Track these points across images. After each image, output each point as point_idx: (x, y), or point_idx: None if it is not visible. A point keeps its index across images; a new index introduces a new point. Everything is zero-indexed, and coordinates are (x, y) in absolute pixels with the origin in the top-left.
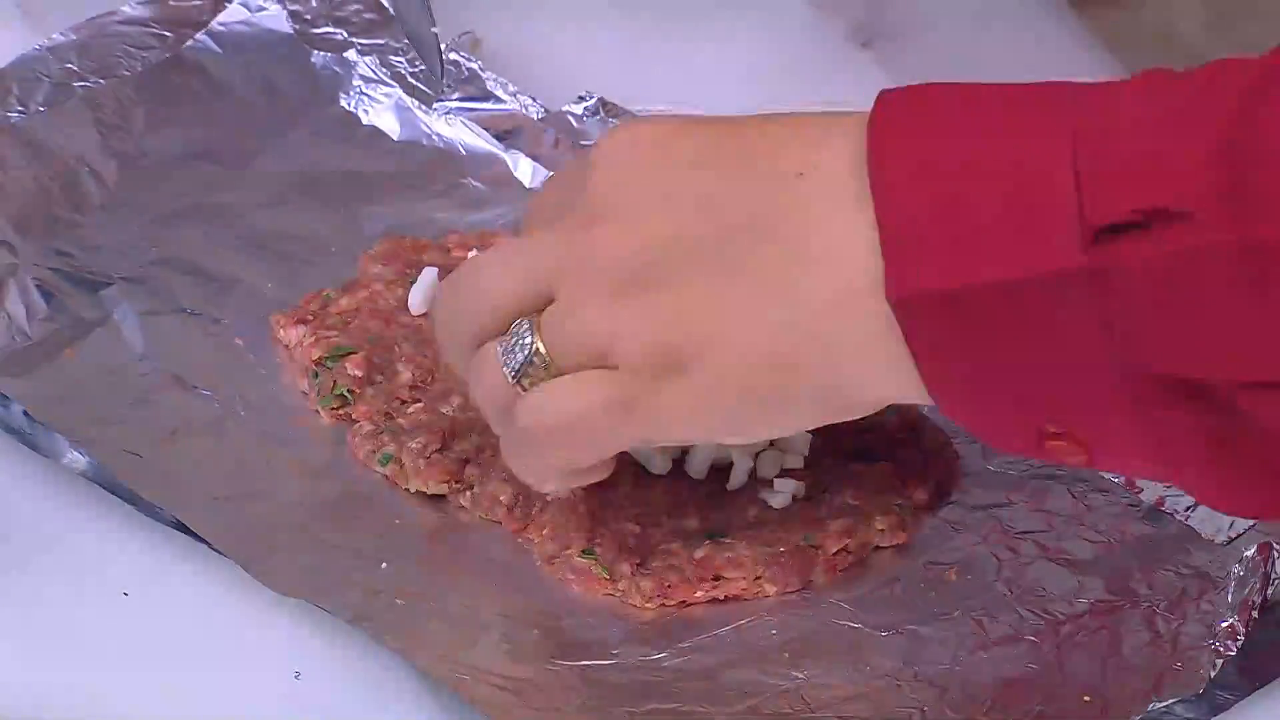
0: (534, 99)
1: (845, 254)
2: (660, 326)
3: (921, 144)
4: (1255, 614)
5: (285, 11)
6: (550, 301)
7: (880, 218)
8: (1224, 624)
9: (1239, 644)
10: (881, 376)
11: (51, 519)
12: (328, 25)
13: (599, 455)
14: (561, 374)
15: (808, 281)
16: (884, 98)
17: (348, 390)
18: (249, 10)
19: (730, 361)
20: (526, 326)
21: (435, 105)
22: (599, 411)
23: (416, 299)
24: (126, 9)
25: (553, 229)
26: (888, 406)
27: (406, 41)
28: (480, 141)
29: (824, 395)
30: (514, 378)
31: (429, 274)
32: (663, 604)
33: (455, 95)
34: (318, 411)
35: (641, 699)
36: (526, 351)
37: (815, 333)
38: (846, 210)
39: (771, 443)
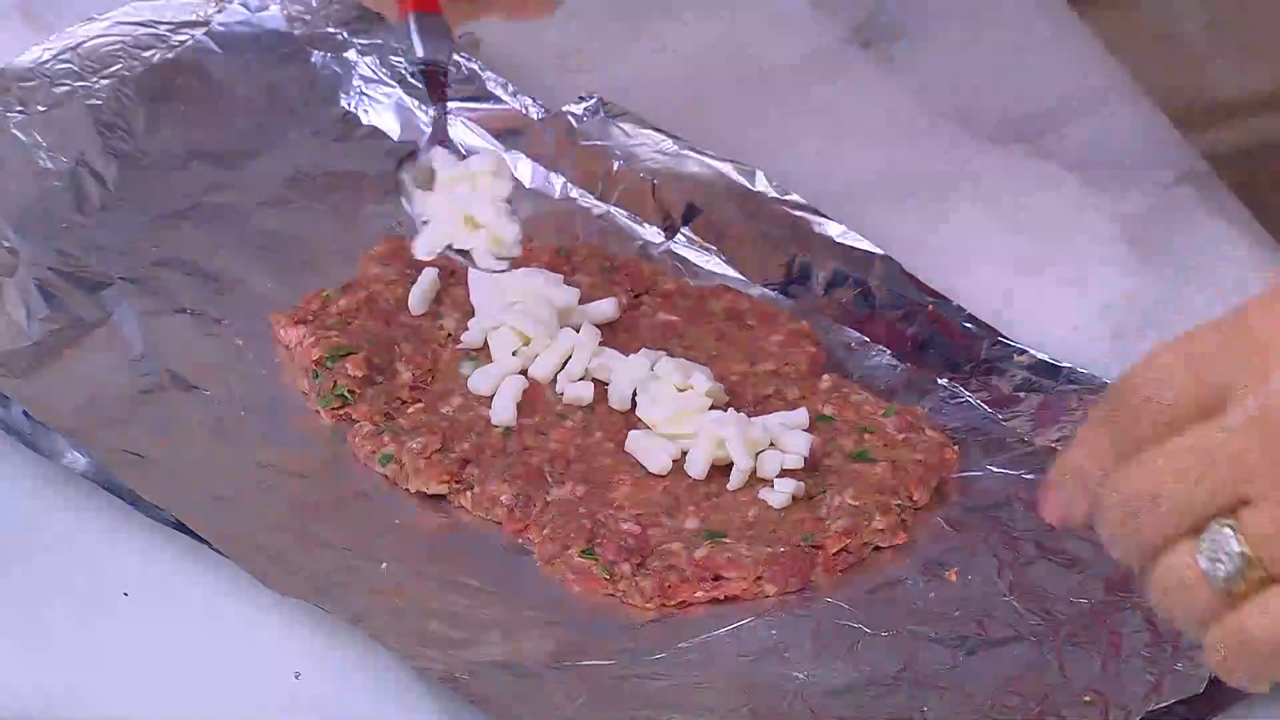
0: (534, 99)
1: None
2: None
3: None
4: None
5: (285, 11)
6: (1241, 500)
7: None
8: None
9: None
10: None
11: (51, 519)
12: (328, 25)
13: None
14: (1274, 580)
15: None
16: None
17: (348, 390)
18: (249, 10)
19: None
20: (1230, 531)
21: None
22: None
23: (416, 299)
24: (127, 9)
25: (1233, 423)
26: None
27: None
28: (480, 141)
29: None
30: (1223, 586)
31: (429, 274)
32: (663, 604)
33: (455, 95)
34: (318, 411)
35: (641, 699)
36: (1236, 561)
37: None
38: None
39: (771, 442)
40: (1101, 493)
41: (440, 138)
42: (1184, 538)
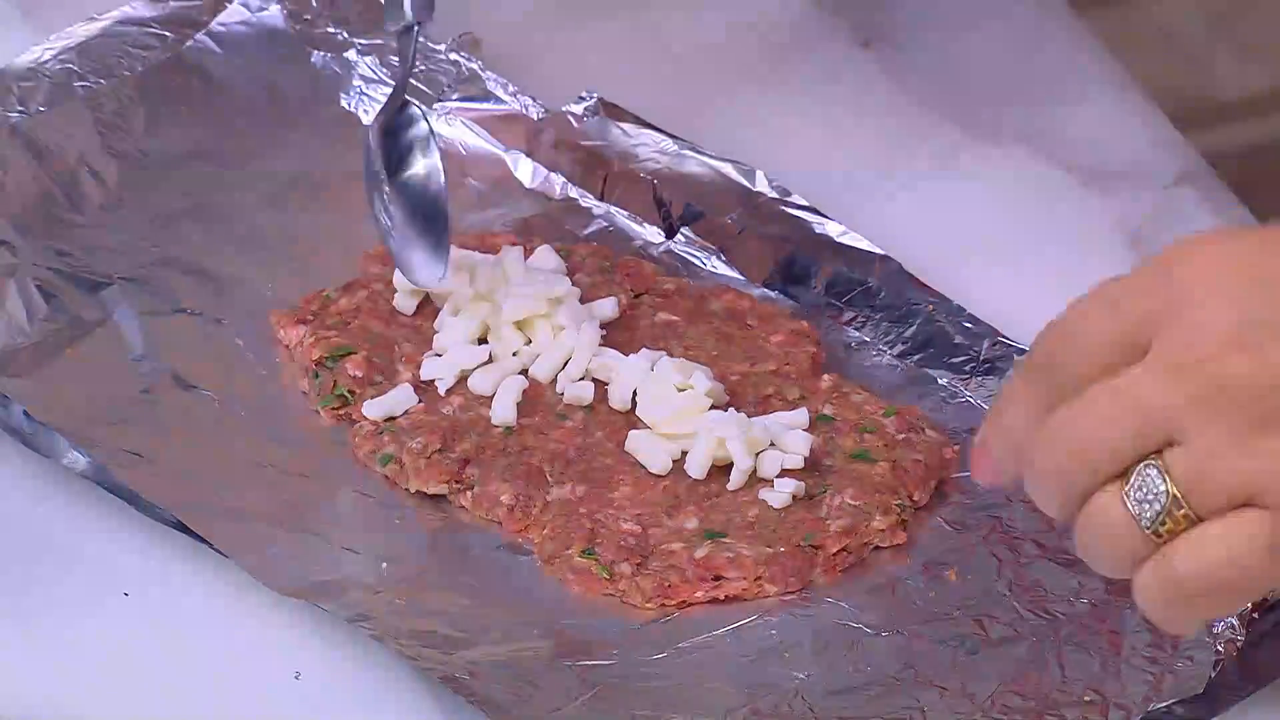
0: (534, 99)
1: None
2: None
3: None
4: (1255, 614)
5: (285, 11)
6: (1167, 441)
7: None
8: (1224, 624)
9: (1239, 644)
10: None
11: (51, 519)
12: (328, 25)
13: (1251, 600)
14: (1200, 519)
15: None
16: None
17: (348, 390)
18: (249, 10)
19: None
20: (1155, 472)
21: (435, 105)
22: (1262, 557)
23: (403, 299)
24: (126, 9)
25: (1155, 365)
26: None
27: None
28: (480, 141)
29: None
30: (1150, 527)
31: None
32: (663, 604)
33: (455, 95)
34: (318, 411)
35: (641, 699)
36: (1162, 500)
37: None
38: None
39: (772, 442)
40: (1029, 448)
41: (396, 104)
42: (1111, 482)
